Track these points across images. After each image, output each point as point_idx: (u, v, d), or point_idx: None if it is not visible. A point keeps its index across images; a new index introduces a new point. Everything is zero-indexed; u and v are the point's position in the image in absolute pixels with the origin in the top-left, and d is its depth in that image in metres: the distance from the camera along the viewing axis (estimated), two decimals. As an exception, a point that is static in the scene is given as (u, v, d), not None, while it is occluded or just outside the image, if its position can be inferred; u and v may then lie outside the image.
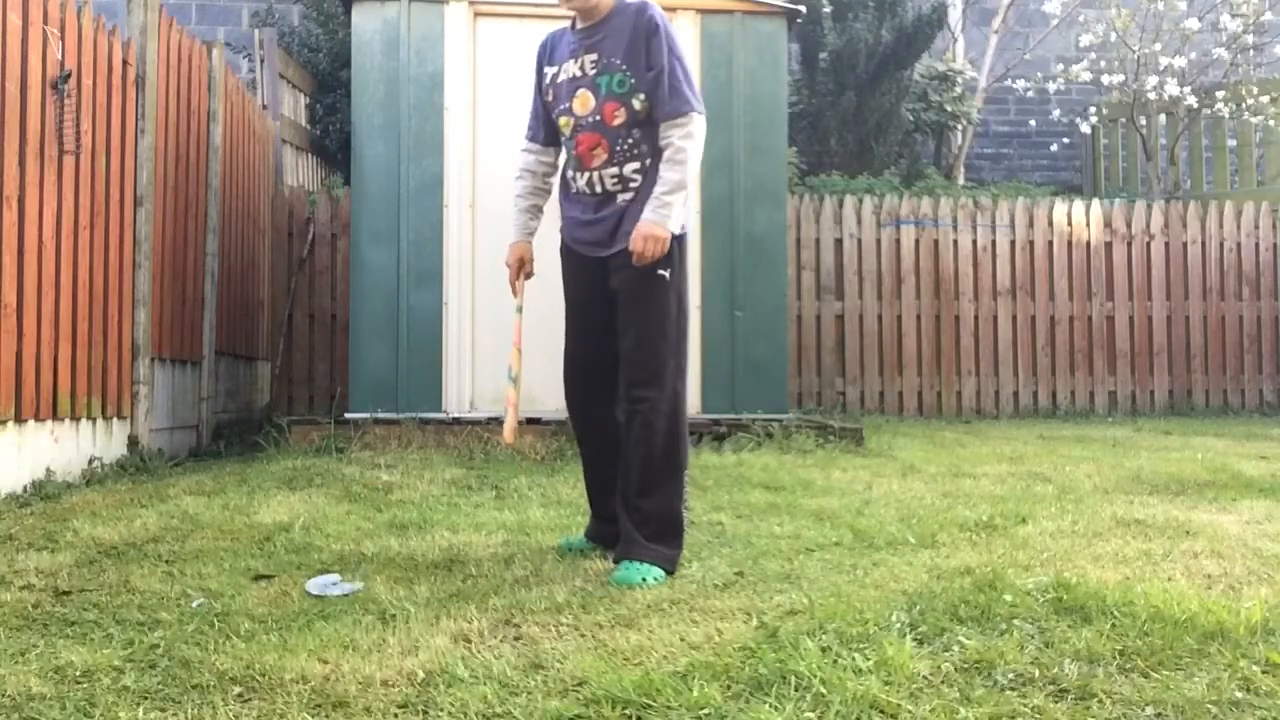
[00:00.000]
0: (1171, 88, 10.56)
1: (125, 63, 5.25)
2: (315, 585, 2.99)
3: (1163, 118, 11.24)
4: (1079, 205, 9.09)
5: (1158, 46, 10.67)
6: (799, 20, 6.79)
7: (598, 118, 3.23)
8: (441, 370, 5.90)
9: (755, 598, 2.82)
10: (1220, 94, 10.64)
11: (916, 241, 8.72)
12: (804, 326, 8.51)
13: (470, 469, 5.11)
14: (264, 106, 8.08)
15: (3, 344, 4.15)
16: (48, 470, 4.51)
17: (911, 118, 10.81)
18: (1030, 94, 11.90)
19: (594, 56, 3.24)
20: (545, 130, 3.46)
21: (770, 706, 2.05)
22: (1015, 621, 2.52)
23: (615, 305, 3.26)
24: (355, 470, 4.97)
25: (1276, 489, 4.51)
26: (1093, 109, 11.68)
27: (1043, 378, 8.84)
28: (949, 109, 11.08)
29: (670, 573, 3.09)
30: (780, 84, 6.38)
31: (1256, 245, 9.16)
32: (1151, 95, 10.75)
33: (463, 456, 5.46)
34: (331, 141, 9.57)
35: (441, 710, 2.08)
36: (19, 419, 4.30)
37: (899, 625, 2.49)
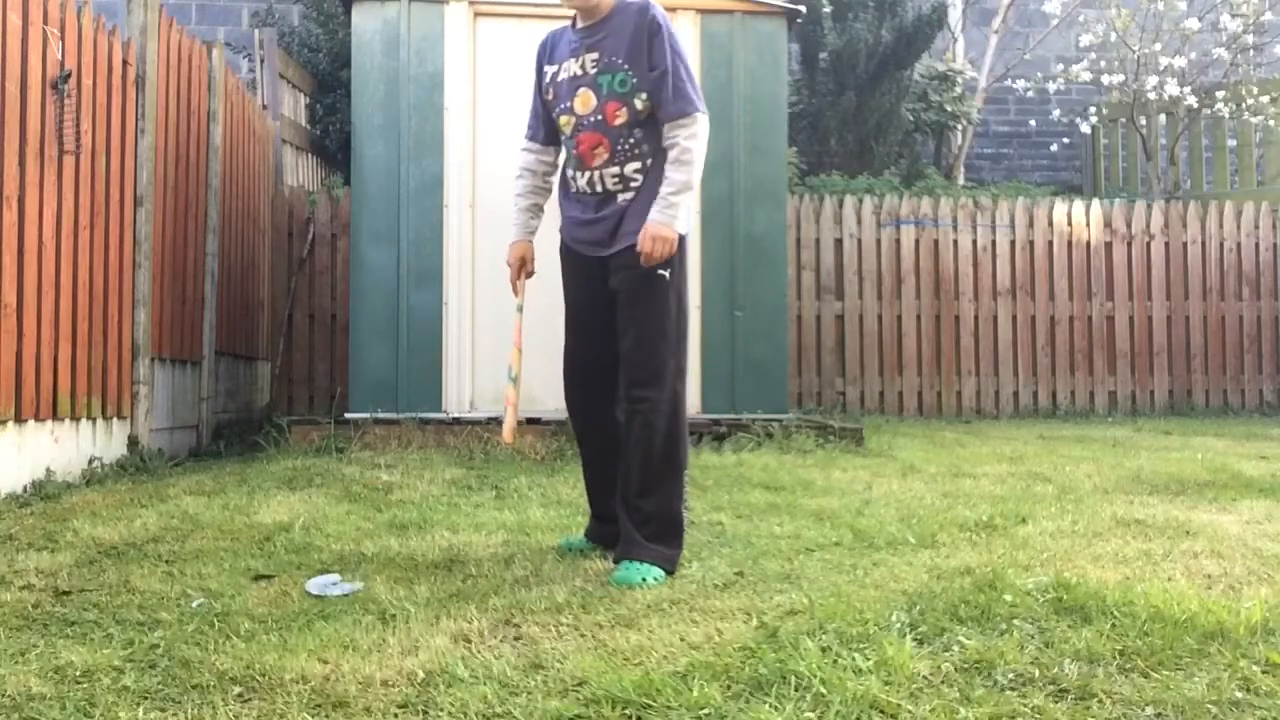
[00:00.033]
0: (1171, 88, 10.56)
1: (125, 63, 5.25)
2: (315, 585, 2.99)
3: (1163, 118, 11.24)
4: (1079, 205, 9.09)
5: (1158, 46, 10.67)
6: (799, 20, 6.79)
7: (599, 117, 3.22)
8: (441, 370, 5.90)
9: (755, 598, 2.82)
10: (1220, 94, 10.64)
11: (916, 241, 8.72)
12: (804, 326, 8.51)
13: (470, 469, 5.11)
14: (264, 106, 8.08)
15: (3, 344, 4.15)
16: (48, 470, 4.51)
17: (911, 118, 10.81)
18: (1030, 94, 11.90)
19: (595, 55, 3.24)
20: (545, 130, 3.46)
21: (770, 706, 2.05)
22: (1015, 621, 2.52)
23: (615, 305, 3.25)
24: (355, 470, 4.97)
25: (1276, 489, 4.51)
26: (1093, 109, 11.68)
27: (1043, 378, 8.84)
28: (949, 109, 11.08)
29: (670, 573, 3.09)
30: (780, 84, 6.38)
31: (1256, 245, 9.17)
32: (1151, 95, 10.75)
33: (463, 456, 5.46)
34: (331, 141, 9.57)
35: (441, 710, 2.08)
36: (19, 419, 4.30)
37: (899, 625, 2.49)
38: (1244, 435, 7.10)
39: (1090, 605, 2.60)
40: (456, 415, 5.83)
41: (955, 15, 11.98)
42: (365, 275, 5.96)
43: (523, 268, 3.49)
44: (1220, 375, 9.07)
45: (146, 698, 2.16)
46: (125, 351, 5.23)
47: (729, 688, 2.16)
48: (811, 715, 2.02)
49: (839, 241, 8.66)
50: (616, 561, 3.15)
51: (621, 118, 3.21)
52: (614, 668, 2.25)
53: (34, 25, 4.36)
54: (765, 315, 6.23)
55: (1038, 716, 2.04)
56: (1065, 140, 12.40)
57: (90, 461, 4.88)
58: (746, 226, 6.21)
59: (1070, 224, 8.96)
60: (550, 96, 3.36)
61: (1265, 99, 10.39)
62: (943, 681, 2.19)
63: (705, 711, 2.05)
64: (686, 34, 6.03)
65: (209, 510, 4.05)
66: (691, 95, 3.20)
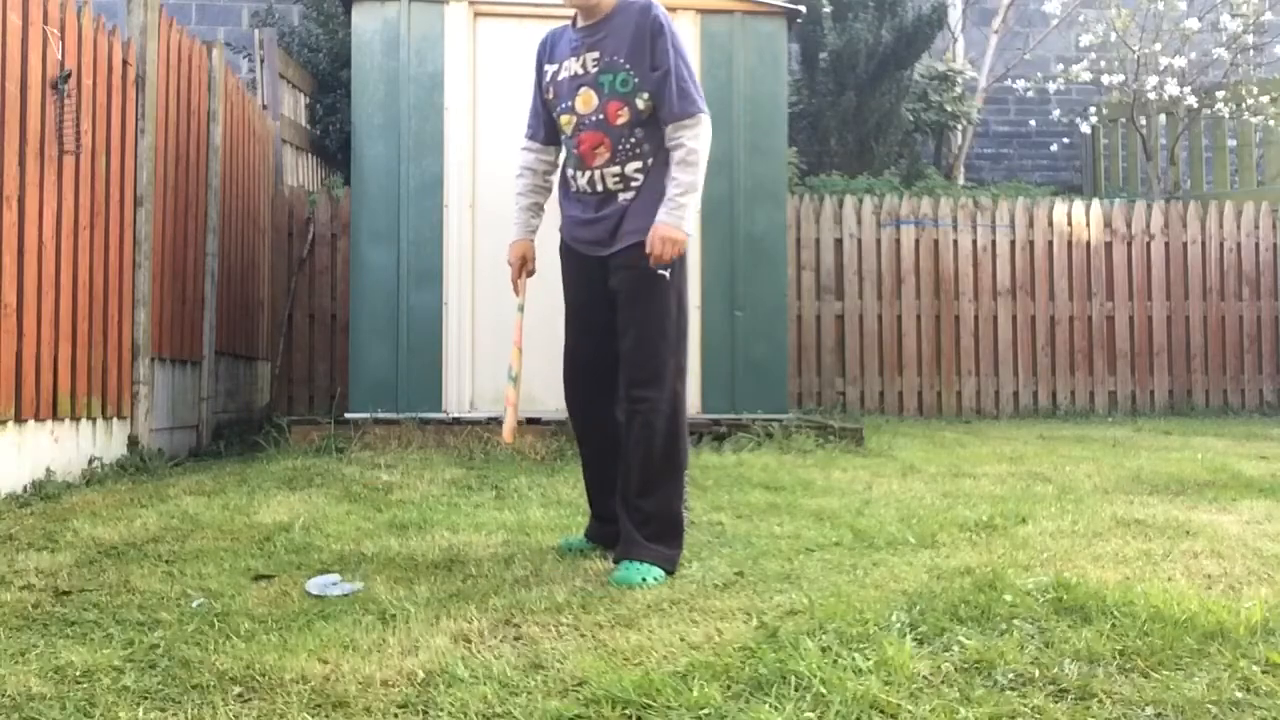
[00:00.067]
0: (1171, 88, 10.56)
1: (125, 63, 5.25)
2: (315, 585, 2.99)
3: (1163, 118, 11.24)
4: (1079, 205, 9.09)
5: (1158, 46, 10.67)
6: (799, 20, 6.79)
7: (601, 116, 3.22)
8: (441, 370, 5.90)
9: (755, 598, 2.82)
10: (1220, 94, 10.64)
11: (916, 241, 8.72)
12: (804, 326, 8.51)
13: (470, 469, 5.11)
14: (264, 106, 8.08)
15: (3, 344, 4.15)
16: (48, 470, 4.51)
17: (911, 118, 10.81)
18: (1030, 94, 11.90)
19: (596, 55, 3.23)
20: (545, 129, 3.45)
21: (770, 706, 2.05)
22: (1015, 621, 2.52)
23: (615, 305, 3.25)
24: (355, 470, 4.97)
25: (1276, 489, 4.51)
26: (1093, 109, 11.68)
27: (1043, 378, 8.84)
28: (949, 109, 11.08)
29: (670, 573, 3.09)
30: (780, 84, 6.38)
31: (1256, 245, 9.17)
32: (1151, 95, 10.75)
33: (463, 456, 5.46)
34: (331, 141, 9.57)
35: (441, 710, 2.08)
36: (19, 419, 4.30)
37: (899, 625, 2.49)
38: (1244, 435, 7.10)
39: (1090, 605, 2.60)
40: (456, 415, 5.83)
41: (955, 15, 11.98)
42: (365, 275, 5.96)
43: (523, 267, 3.49)
44: (1220, 375, 9.07)
45: (146, 698, 2.16)
46: (125, 351, 5.23)
47: (729, 688, 2.16)
48: (811, 715, 2.02)
49: (839, 241, 8.66)
50: (616, 561, 3.15)
51: (623, 117, 3.21)
52: (614, 668, 2.25)
53: (34, 25, 4.36)
54: (765, 315, 6.23)
55: (1038, 716, 2.04)
56: (1065, 140, 12.40)
57: (90, 461, 4.88)
58: (746, 226, 6.21)
59: (1070, 224, 8.96)
60: (551, 96, 3.35)
61: (1265, 99, 10.39)
62: (943, 681, 2.19)
63: (705, 711, 2.05)
64: (686, 34, 6.02)
65: (209, 510, 4.05)
66: (695, 96, 3.20)
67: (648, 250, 3.14)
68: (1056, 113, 11.95)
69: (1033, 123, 12.54)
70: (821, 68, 10.45)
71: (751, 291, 6.20)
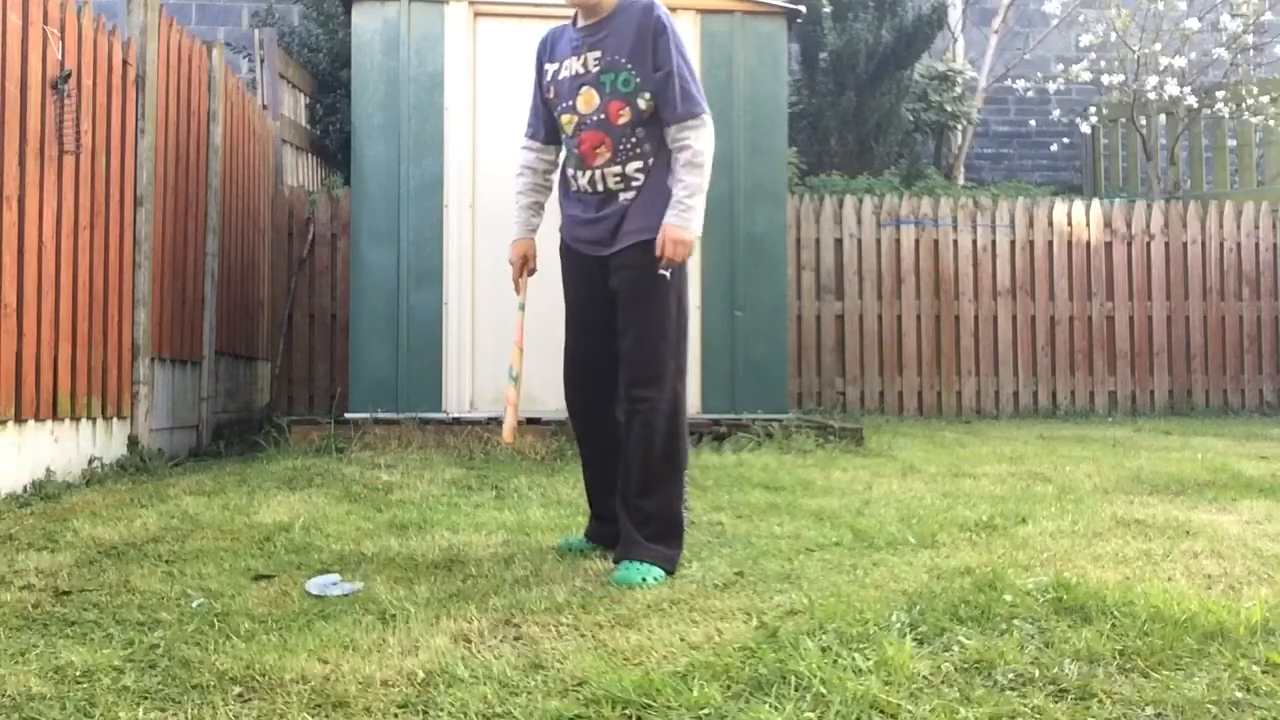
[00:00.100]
0: (1171, 88, 10.56)
1: (125, 63, 5.25)
2: (315, 585, 2.99)
3: (1163, 118, 11.24)
4: (1079, 205, 9.09)
5: (1158, 46, 10.67)
6: (799, 20, 6.79)
7: (602, 116, 3.22)
8: (441, 370, 5.90)
9: (755, 598, 2.82)
10: (1220, 94, 10.64)
11: (916, 241, 8.72)
12: (804, 326, 8.51)
13: (470, 469, 5.11)
14: (264, 106, 8.08)
15: (3, 344, 4.15)
16: (48, 470, 4.51)
17: (911, 118, 10.81)
18: (1030, 94, 11.90)
19: (597, 54, 3.23)
20: (545, 128, 3.45)
21: (770, 706, 2.05)
22: (1015, 621, 2.52)
23: (615, 305, 3.25)
24: (355, 470, 4.97)
25: (1276, 489, 4.51)
26: (1093, 109, 11.68)
27: (1043, 378, 8.84)
28: (949, 109, 11.08)
29: (670, 573, 3.09)
30: (780, 84, 6.38)
31: (1256, 245, 9.17)
32: (1151, 95, 10.75)
33: (463, 456, 5.46)
34: (331, 141, 9.57)
35: (441, 710, 2.08)
36: (19, 419, 4.30)
37: (899, 625, 2.49)
38: (1244, 435, 7.10)
39: (1090, 605, 2.60)
40: (456, 415, 5.83)
41: (955, 15, 11.98)
42: (365, 275, 5.97)
43: (525, 265, 3.49)
44: (1220, 375, 9.07)
45: (146, 698, 2.16)
46: (125, 351, 5.23)
47: (729, 688, 2.16)
48: (811, 715, 2.02)
49: (839, 241, 8.66)
50: (616, 561, 3.15)
51: (625, 117, 3.21)
52: (614, 668, 2.25)
53: (34, 25, 4.36)
54: (765, 315, 6.23)
55: (1038, 716, 2.04)
56: (1065, 140, 12.40)
57: (90, 461, 4.88)
58: (746, 226, 6.21)
59: (1070, 224, 8.96)
60: (552, 95, 3.35)
61: (1265, 99, 10.39)
62: (943, 681, 2.19)
63: (705, 711, 2.05)
64: (687, 34, 6.01)
65: (209, 510, 4.05)
66: (697, 97, 3.20)
67: (658, 253, 3.14)
68: (1056, 113, 11.95)
69: (1033, 123, 12.54)
70: (821, 68, 10.45)
71: (751, 291, 6.20)
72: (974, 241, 8.80)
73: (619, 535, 3.22)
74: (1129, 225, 9.02)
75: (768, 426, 5.96)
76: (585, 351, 3.38)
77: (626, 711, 2.05)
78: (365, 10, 6.04)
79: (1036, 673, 2.22)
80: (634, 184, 3.24)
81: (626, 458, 3.22)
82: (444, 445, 5.61)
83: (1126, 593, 2.69)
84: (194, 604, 2.81)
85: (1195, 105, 10.68)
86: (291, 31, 10.19)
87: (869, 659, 2.27)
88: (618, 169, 3.24)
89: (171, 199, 5.75)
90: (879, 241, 8.68)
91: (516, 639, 2.51)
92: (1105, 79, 11.03)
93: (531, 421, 5.58)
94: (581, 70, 3.25)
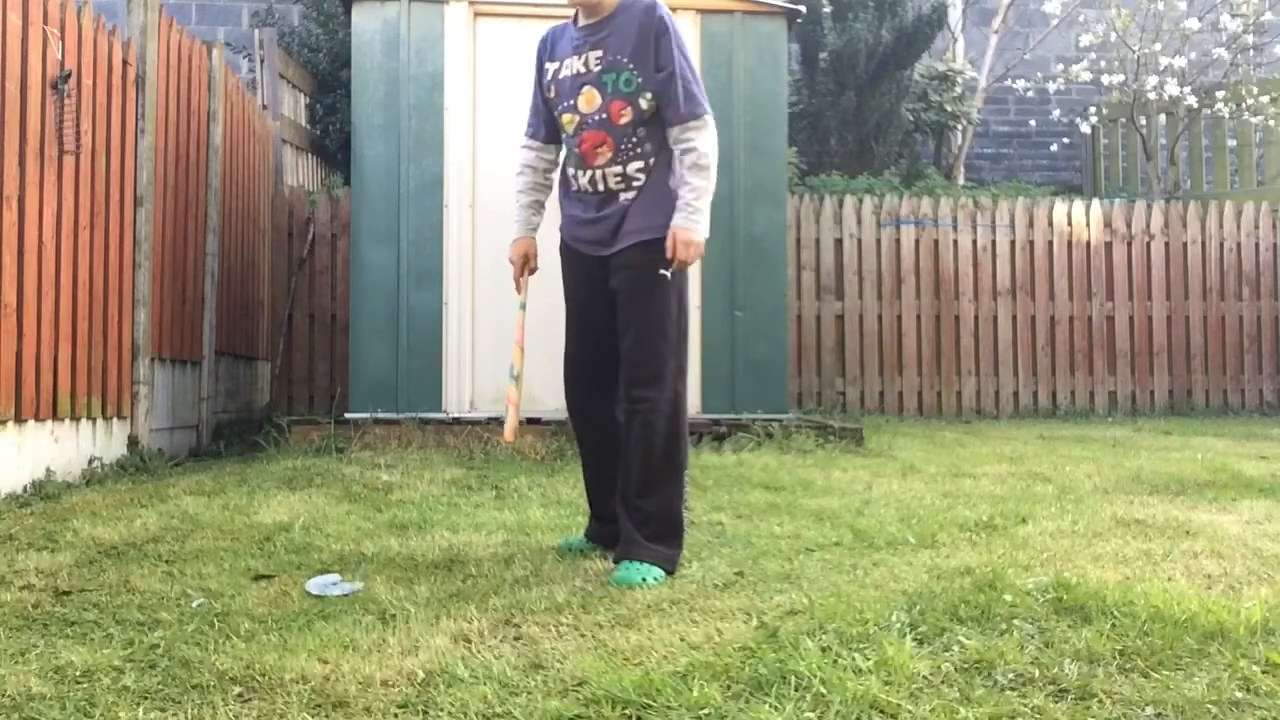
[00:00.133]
0: (1171, 88, 10.56)
1: (125, 63, 5.25)
2: (315, 585, 2.99)
3: (1163, 118, 11.24)
4: (1079, 205, 9.09)
5: (1158, 46, 10.67)
6: (799, 20, 6.79)
7: (604, 116, 3.22)
8: (441, 370, 5.90)
9: (755, 598, 2.82)
10: (1220, 94, 10.64)
11: (916, 241, 8.72)
12: (804, 326, 8.51)
13: (470, 469, 5.11)
14: (264, 106, 8.08)
15: (3, 344, 4.15)
16: (48, 470, 4.51)
17: (911, 118, 10.81)
18: (1030, 94, 11.90)
19: (599, 54, 3.23)
20: (545, 127, 3.45)
21: (770, 706, 2.05)
22: (1015, 621, 2.52)
23: (615, 305, 3.25)
24: (355, 470, 4.97)
25: (1276, 489, 4.51)
26: (1093, 109, 11.68)
27: (1043, 378, 8.84)
28: (949, 109, 11.08)
29: (670, 573, 3.09)
30: (780, 84, 6.38)
31: (1256, 245, 9.16)
32: (1151, 95, 10.75)
33: (463, 456, 5.46)
34: (331, 141, 9.57)
35: (441, 710, 2.08)
36: (19, 419, 4.30)
37: (899, 625, 2.49)
38: (1244, 435, 7.10)
39: (1090, 605, 2.60)
40: (456, 415, 5.83)
41: (955, 15, 11.97)
42: (365, 275, 5.97)
43: (526, 264, 3.49)
44: (1220, 375, 9.07)
45: (146, 698, 2.16)
46: (125, 351, 5.23)
47: (729, 688, 2.16)
48: (811, 715, 2.02)
49: (839, 241, 8.66)
50: (616, 561, 3.15)
51: (626, 117, 3.20)
52: (614, 668, 2.25)
53: (34, 25, 4.36)
54: (765, 315, 6.23)
55: (1038, 716, 2.04)
56: (1065, 140, 12.40)
57: (90, 461, 4.88)
58: (746, 226, 6.21)
59: (1070, 224, 8.96)
60: (552, 94, 3.35)
61: (1265, 99, 10.39)
62: (943, 681, 2.19)
63: (705, 711, 2.05)
64: (687, 34, 5.95)
65: (209, 510, 4.05)
66: (700, 98, 3.21)
67: (668, 255, 3.14)
68: (1056, 113, 11.95)
69: (1033, 123, 12.54)
70: (821, 68, 10.45)
71: (751, 291, 6.20)
72: (974, 241, 8.80)
73: (619, 535, 3.22)
74: (1129, 225, 9.02)
75: (768, 426, 5.96)
76: (585, 351, 3.38)
77: (626, 711, 2.05)
78: (365, 10, 6.04)
79: (1036, 673, 2.22)
80: (635, 184, 3.24)
81: (627, 458, 3.22)
82: (444, 445, 5.61)
83: (1126, 593, 2.69)
84: (194, 604, 2.81)
85: (1195, 105, 10.68)
86: (291, 31, 10.19)
87: (869, 659, 2.27)
88: (619, 169, 3.24)
89: (171, 199, 5.75)
90: (879, 241, 8.68)
91: (516, 639, 2.51)
92: (1105, 79, 11.03)
93: (531, 421, 5.58)
94: (583, 69, 3.25)
